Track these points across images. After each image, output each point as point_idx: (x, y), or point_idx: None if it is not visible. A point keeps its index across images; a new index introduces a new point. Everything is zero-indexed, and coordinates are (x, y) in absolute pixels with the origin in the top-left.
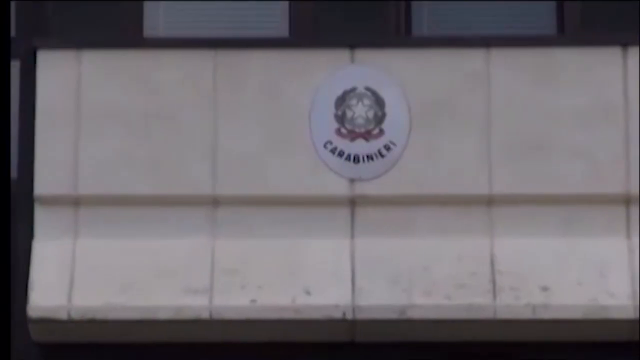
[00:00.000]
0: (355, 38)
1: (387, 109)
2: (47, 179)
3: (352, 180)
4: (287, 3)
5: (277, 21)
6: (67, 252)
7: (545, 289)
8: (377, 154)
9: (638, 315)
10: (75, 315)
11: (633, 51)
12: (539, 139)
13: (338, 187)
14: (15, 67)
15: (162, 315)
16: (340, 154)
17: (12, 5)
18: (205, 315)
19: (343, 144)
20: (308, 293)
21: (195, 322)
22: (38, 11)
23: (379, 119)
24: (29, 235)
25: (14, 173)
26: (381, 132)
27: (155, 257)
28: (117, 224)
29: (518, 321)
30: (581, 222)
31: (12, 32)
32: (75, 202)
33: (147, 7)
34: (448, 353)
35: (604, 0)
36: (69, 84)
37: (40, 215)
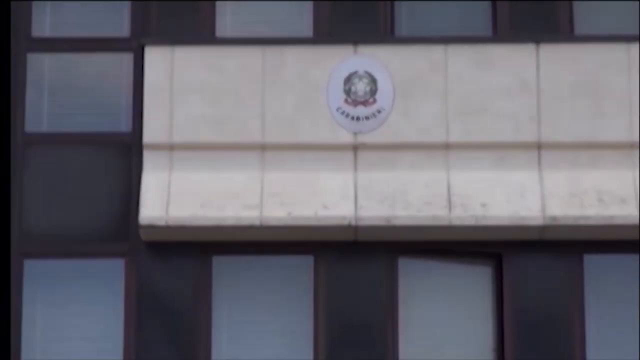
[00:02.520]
0: (357, 37)
1: (379, 85)
2: (152, 132)
3: (355, 133)
4: (312, 10)
5: (306, 24)
6: (165, 181)
7: (484, 205)
8: (372, 115)
9: (545, 223)
10: (170, 223)
11: (544, 47)
12: (479, 105)
13: (345, 138)
14: (129, 58)
15: (228, 222)
16: (347, 116)
17: (127, 10)
18: (257, 223)
19: (349, 109)
20: (326, 208)
21: (250, 228)
22: (144, 18)
23: (373, 92)
24: (140, 170)
25: (129, 127)
26: (374, 100)
27: (223, 184)
28: (199, 162)
29: (466, 227)
30: (508, 161)
31: (127, 33)
32: (170, 147)
33: (218, 13)
34: (419, 249)
35: (528, 5)
36: (165, 69)
37: (147, 157)
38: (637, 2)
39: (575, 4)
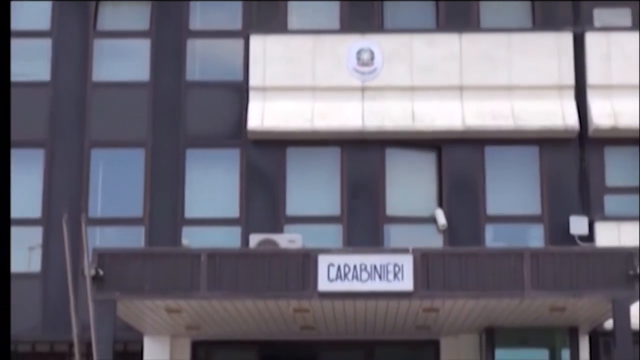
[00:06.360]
0: (363, 29)
1: (375, 56)
2: (254, 80)
3: (362, 81)
4: (338, 10)
5: (334, 18)
6: (261, 106)
7: (432, 119)
8: (371, 72)
9: (464, 129)
10: (266, 129)
11: (464, 34)
12: (429, 66)
13: (357, 83)
14: (240, 42)
15: (295, 129)
16: (358, 72)
17: (239, 11)
18: (310, 129)
19: (359, 68)
20: (347, 121)
21: (307, 132)
22: (249, 17)
23: (372, 59)
24: (247, 101)
25: (242, 77)
26: (373, 64)
27: (292, 108)
28: (279, 96)
29: (422, 131)
30: (444, 95)
31: (239, 26)
32: (264, 89)
33: (289, 15)
34: (398, 143)
35: (454, 7)
36: (261, 47)
37: (252, 94)
38: (516, 7)
39: (481, 6)
